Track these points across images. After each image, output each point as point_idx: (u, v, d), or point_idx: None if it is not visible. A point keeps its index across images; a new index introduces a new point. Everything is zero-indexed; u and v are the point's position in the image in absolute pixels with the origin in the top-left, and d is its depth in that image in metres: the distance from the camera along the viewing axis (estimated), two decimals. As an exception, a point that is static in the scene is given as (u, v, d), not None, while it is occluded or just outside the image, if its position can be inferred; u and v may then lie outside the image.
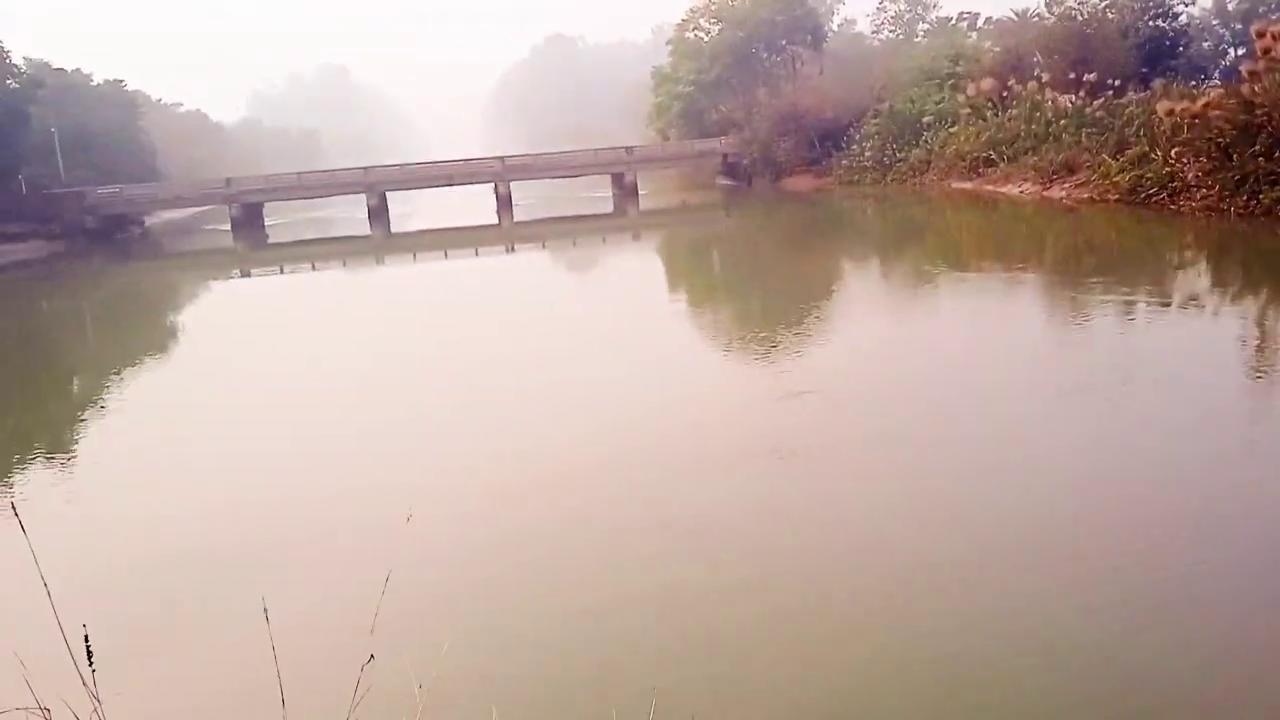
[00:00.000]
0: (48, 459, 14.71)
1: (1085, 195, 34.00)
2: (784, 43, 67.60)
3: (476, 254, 40.61)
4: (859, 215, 43.95)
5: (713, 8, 68.88)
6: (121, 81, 78.49)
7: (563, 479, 11.43)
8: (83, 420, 17.55)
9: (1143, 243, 27.87)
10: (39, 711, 3.07)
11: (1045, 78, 43.64)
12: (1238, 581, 7.89)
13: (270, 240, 55.69)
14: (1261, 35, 29.09)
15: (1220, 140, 28.03)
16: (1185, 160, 29.66)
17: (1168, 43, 50.56)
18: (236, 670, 7.27)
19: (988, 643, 7.22)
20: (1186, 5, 52.81)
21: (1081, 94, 40.51)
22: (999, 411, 12.70)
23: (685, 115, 69.59)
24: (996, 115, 44.57)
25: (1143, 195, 30.69)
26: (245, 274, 43.52)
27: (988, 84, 45.76)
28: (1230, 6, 69.88)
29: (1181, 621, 7.31)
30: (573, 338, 20.63)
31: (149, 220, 63.80)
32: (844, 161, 52.19)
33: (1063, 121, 39.46)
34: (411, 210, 60.24)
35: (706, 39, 69.55)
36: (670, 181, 67.47)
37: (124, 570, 9.81)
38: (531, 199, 59.85)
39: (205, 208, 65.78)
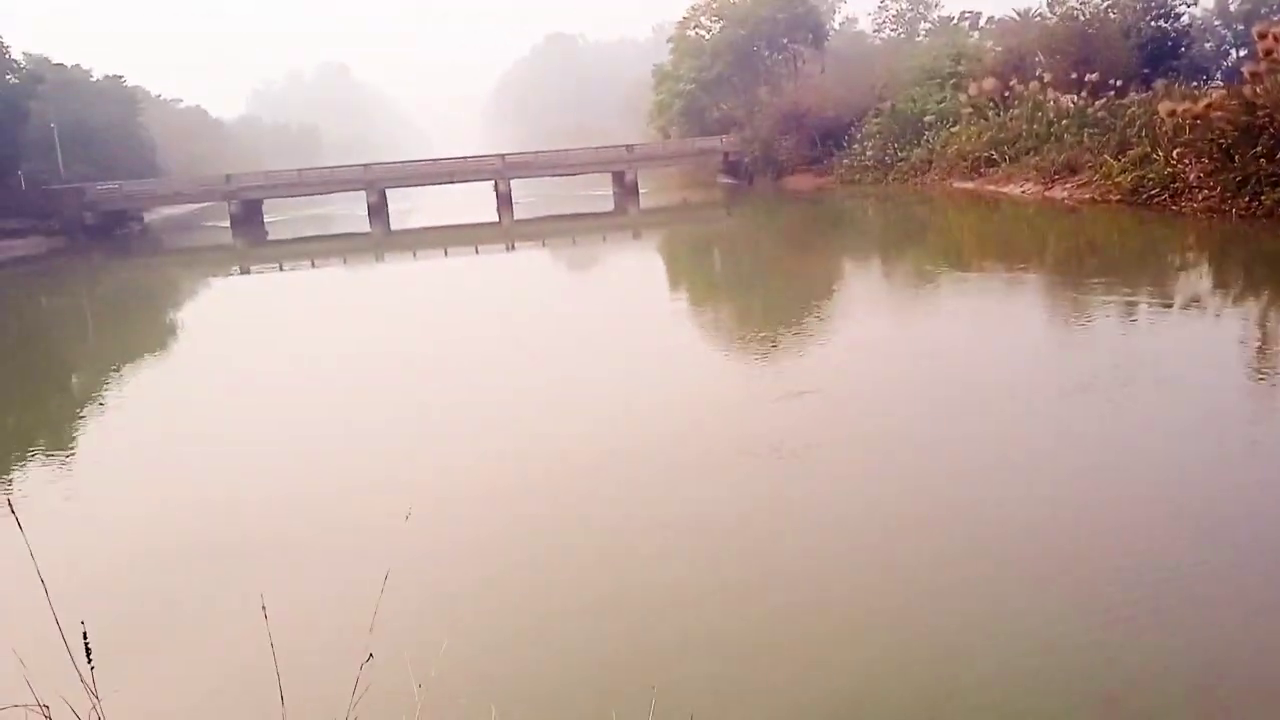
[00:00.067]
0: (47, 456, 14.69)
1: (1087, 196, 33.99)
2: (785, 41, 67.60)
3: (477, 252, 40.60)
4: (860, 214, 43.94)
5: (714, 6, 68.87)
6: (121, 77, 78.48)
7: (562, 477, 11.42)
8: (82, 417, 17.53)
9: (1144, 243, 27.86)
10: (38, 709, 3.05)
11: (1047, 77, 43.62)
12: (1240, 582, 7.87)
13: (270, 237, 55.70)
14: (1263, 36, 29.05)
15: (1222, 141, 28.01)
16: (1187, 161, 29.65)
17: (1170, 43, 50.53)
18: (235, 668, 7.26)
19: (988, 643, 7.20)
20: (1188, 6, 52.83)
21: (1083, 94, 40.51)
22: (1000, 411, 12.68)
23: (686, 113, 69.63)
24: (998, 115, 44.56)
25: (1144, 196, 30.68)
26: (245, 271, 43.52)
27: (989, 83, 45.75)
28: (1232, 7, 69.89)
29: (1184, 622, 7.29)
30: (573, 336, 20.62)
31: (148, 216, 63.83)
32: (845, 160, 52.19)
33: (1064, 121, 39.46)
34: (411, 208, 60.25)
35: (708, 37, 69.56)
36: (671, 180, 67.49)
37: (123, 568, 9.79)
38: (532, 197, 59.88)
39: (205, 204, 65.83)
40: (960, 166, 44.42)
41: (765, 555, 9.01)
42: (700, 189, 61.88)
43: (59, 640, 3.00)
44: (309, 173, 62.12)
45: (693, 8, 70.55)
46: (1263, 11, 59.61)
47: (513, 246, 43.37)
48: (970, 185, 42.67)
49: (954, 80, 50.78)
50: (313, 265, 41.79)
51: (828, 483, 10.81)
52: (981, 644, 7.20)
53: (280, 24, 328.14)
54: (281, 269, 41.98)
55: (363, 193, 57.31)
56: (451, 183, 59.69)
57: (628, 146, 61.48)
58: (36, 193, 55.13)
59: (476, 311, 25.08)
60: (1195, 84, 42.95)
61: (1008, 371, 14.94)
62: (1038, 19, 54.06)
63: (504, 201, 56.31)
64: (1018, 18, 56.83)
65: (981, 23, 70.57)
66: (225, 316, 30.48)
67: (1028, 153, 40.50)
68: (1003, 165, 41.54)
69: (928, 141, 48.40)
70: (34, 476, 13.44)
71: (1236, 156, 27.42)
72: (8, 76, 55.35)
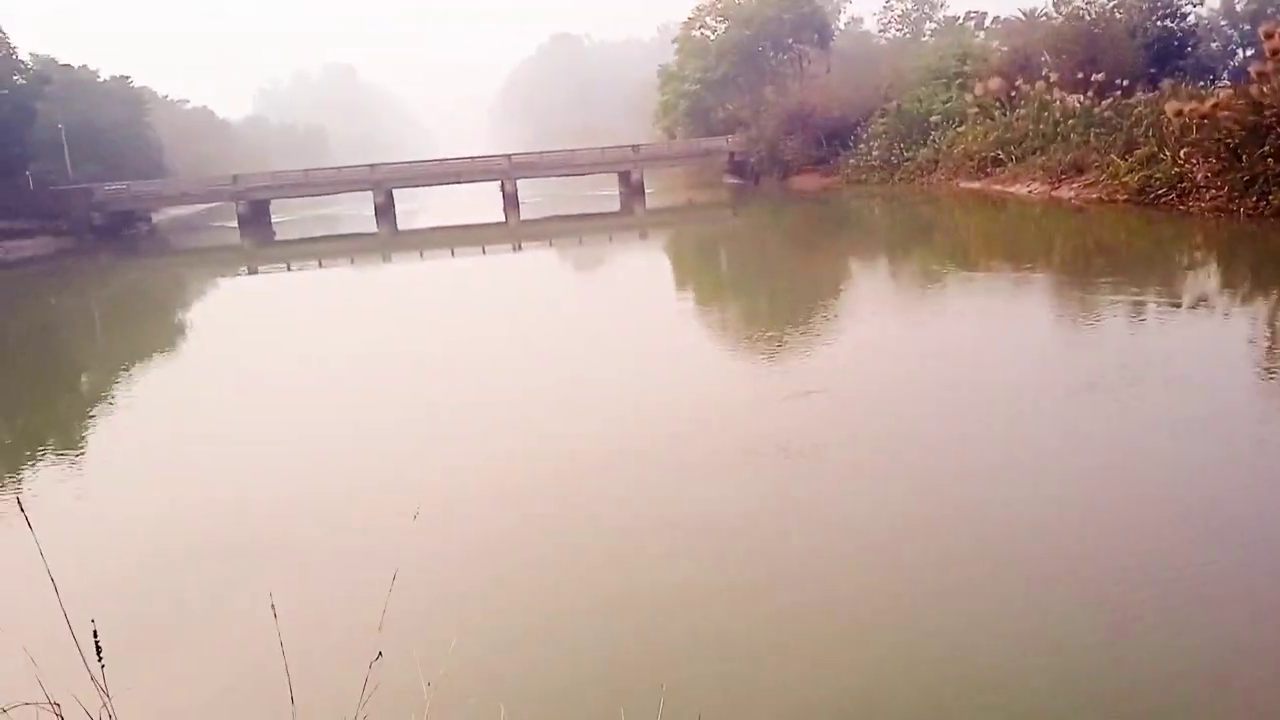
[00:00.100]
0: (57, 456, 14.73)
1: (1094, 195, 33.92)
2: (791, 41, 67.53)
3: (483, 252, 40.63)
4: (867, 214, 43.89)
5: (719, 6, 68.85)
6: (128, 78, 78.60)
7: (570, 477, 11.43)
8: (91, 417, 17.58)
9: (1152, 243, 27.80)
10: (49, 706, 3.06)
11: (1053, 77, 43.56)
12: (1248, 582, 7.86)
13: (277, 237, 55.79)
14: (1270, 36, 28.99)
15: (1229, 141, 27.96)
16: (1194, 161, 29.59)
17: (1176, 43, 50.45)
18: (245, 666, 7.28)
19: (996, 642, 7.20)
20: (1194, 6, 52.76)
21: (1089, 94, 40.46)
22: (1007, 411, 12.66)
23: (692, 114, 69.63)
24: (1004, 115, 44.51)
25: (1152, 196, 30.62)
26: (252, 271, 43.60)
27: (995, 83, 45.69)
28: (1238, 7, 69.77)
29: (1191, 622, 7.28)
30: (580, 336, 20.64)
31: (156, 217, 63.95)
32: (851, 160, 52.14)
33: (1071, 121, 39.40)
34: (418, 208, 60.32)
35: (713, 37, 69.55)
36: (677, 180, 67.48)
37: (133, 567, 9.82)
38: (538, 197, 59.90)
39: (212, 204, 65.98)
40: (966, 166, 44.35)
41: (773, 555, 9.01)
42: (706, 189, 61.84)
43: (69, 639, 3.01)
44: (316, 173, 62.21)
45: (698, 8, 70.56)
46: (1269, 11, 59.50)
47: (519, 246, 43.40)
48: (977, 185, 42.62)
49: (960, 80, 50.72)
50: (320, 265, 41.86)
51: (835, 482, 10.81)
52: (989, 644, 7.20)
53: (282, 24, 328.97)
54: (289, 269, 42.05)
55: (369, 193, 57.37)
56: (458, 183, 59.75)
57: (634, 147, 61.48)
58: (44, 193, 55.23)
59: (484, 311, 25.11)
60: (1202, 84, 42.93)
61: (1015, 371, 14.93)
62: (1043, 19, 54.01)
63: (510, 201, 56.35)
64: (1023, 17, 56.75)
65: (987, 23, 70.49)
66: (233, 316, 30.54)
67: (1034, 152, 40.44)
68: (1009, 165, 41.48)
69: (934, 141, 48.34)
70: (44, 476, 13.48)
71: (1244, 156, 27.37)
72: (15, 77, 55.46)
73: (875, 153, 50.82)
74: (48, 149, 59.43)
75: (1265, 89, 27.88)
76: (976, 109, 46.60)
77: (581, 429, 13.39)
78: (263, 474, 12.69)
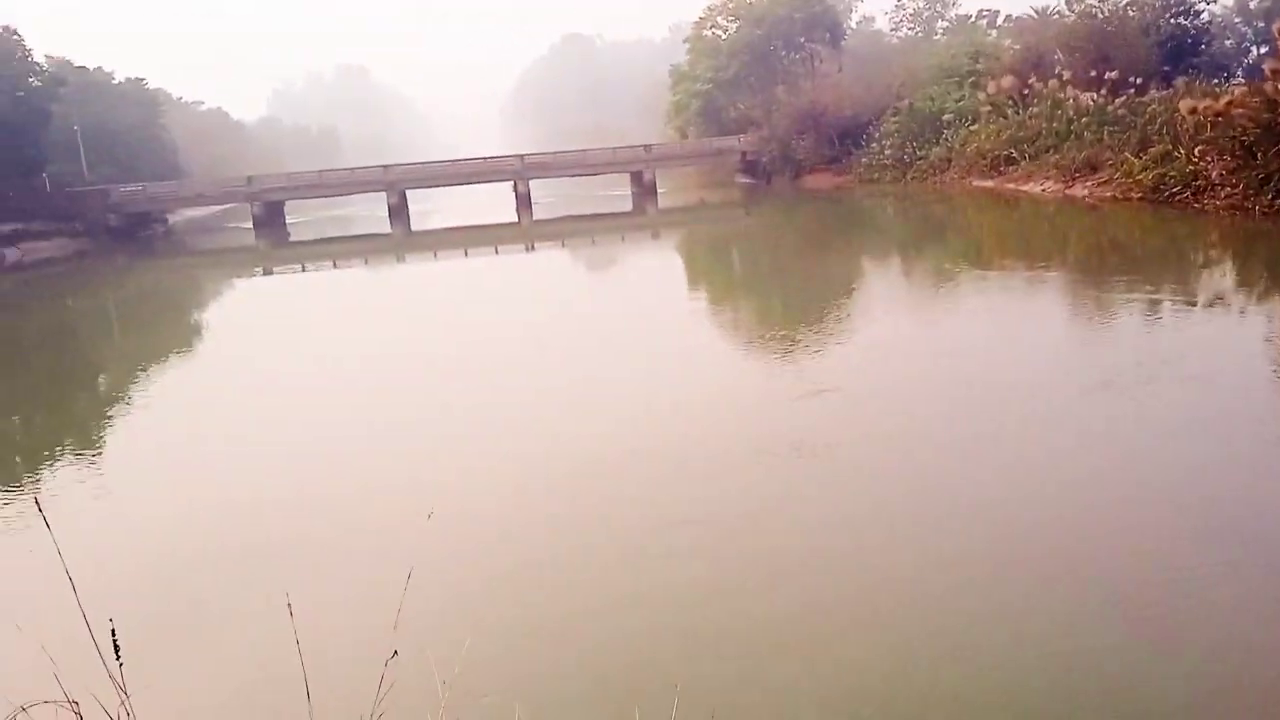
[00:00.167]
0: (75, 456, 14.83)
1: (1108, 194, 33.78)
2: (802, 40, 67.46)
3: (496, 252, 40.70)
4: (879, 213, 43.80)
5: (730, 6, 68.81)
6: (143, 80, 79.04)
7: (583, 477, 11.45)
8: (108, 417, 17.69)
9: (1166, 241, 27.66)
10: (68, 705, 3.09)
11: (1066, 75, 43.37)
12: (1261, 582, 7.82)
13: (292, 238, 55.98)
14: (1284, 33, 28.84)
15: (1244, 139, 27.80)
16: (1209, 159, 29.43)
17: (1189, 40, 50.12)
18: (262, 665, 7.33)
19: (1008, 642, 7.20)
20: (1208, 3, 52.42)
21: (1103, 92, 40.24)
22: (1020, 410, 12.62)
23: (703, 113, 69.62)
24: (1017, 113, 44.34)
25: (1166, 194, 30.47)
26: (268, 272, 43.76)
27: (1008, 82, 45.51)
28: (1252, 4, 69.27)
29: (1202, 622, 7.25)
30: (592, 336, 20.66)
31: (172, 218, 64.26)
32: (863, 159, 52.03)
33: (1084, 119, 39.21)
34: (431, 208, 60.44)
35: (724, 37, 69.52)
36: (689, 179, 67.45)
37: (149, 566, 9.89)
38: (551, 197, 59.95)
39: (227, 206, 66.23)
40: (979, 165, 44.21)
41: (786, 554, 9.02)
42: (718, 189, 61.80)
43: (88, 637, 3.04)
44: (330, 174, 62.43)
45: (709, 8, 70.54)
46: (1285, 8, 59.05)
47: (532, 247, 43.46)
48: (990, 184, 42.47)
49: (972, 78, 50.54)
50: (334, 266, 42.00)
51: (847, 482, 10.81)
52: (1002, 643, 7.20)
53: (282, 24, 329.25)
54: (304, 270, 42.20)
55: (383, 194, 57.53)
56: (471, 183, 59.86)
57: (645, 146, 61.47)
58: (61, 195, 55.57)
59: (497, 311, 25.16)
60: (1216, 81, 42.60)
61: (1028, 370, 14.88)
62: (1056, 16, 53.78)
63: (523, 202, 56.41)
64: (1036, 15, 56.52)
65: (999, 21, 70.18)
66: (249, 317, 30.68)
67: (1047, 151, 40.28)
68: (1022, 163, 41.32)
69: (946, 140, 48.19)
70: (62, 476, 13.58)
71: (1259, 154, 27.21)
72: (31, 79, 55.79)
73: (888, 151, 50.69)
74: (64, 151, 59.81)
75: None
76: (989, 107, 46.43)
77: (594, 428, 13.42)
78: (278, 474, 12.76)
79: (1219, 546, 8.40)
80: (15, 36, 54.85)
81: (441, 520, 9.04)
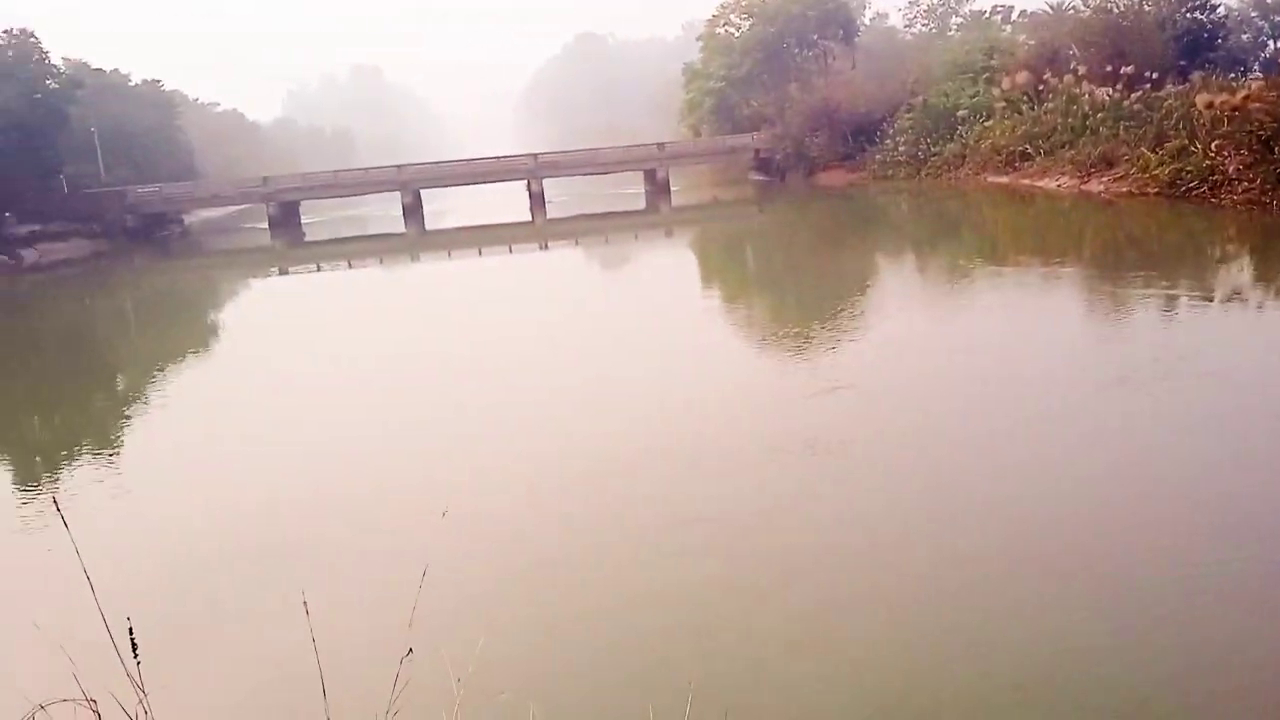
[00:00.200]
0: (92, 455, 14.94)
1: (1124, 189, 33.57)
2: (815, 37, 67.22)
3: (510, 251, 40.73)
4: (894, 210, 43.67)
5: (743, 3, 68.61)
6: (159, 82, 79.39)
7: (597, 475, 11.47)
8: (126, 417, 17.81)
9: (1183, 236, 27.49)
10: (86, 703, 3.11)
11: (1081, 70, 43.12)
12: (1276, 580, 7.78)
13: (307, 238, 56.18)
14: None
15: (1261, 133, 27.60)
16: (1225, 153, 29.24)
17: (1206, 35, 49.73)
18: (278, 663, 7.37)
19: (1023, 639, 7.18)
20: (1224, -3, 52.03)
21: (1119, 87, 39.98)
22: (1035, 407, 12.57)
23: (717, 111, 69.46)
24: (1032, 109, 44.08)
25: (1182, 189, 30.27)
26: (283, 272, 43.92)
27: (1023, 77, 45.28)
28: (1269, -1, 68.70)
29: (1215, 621, 7.21)
30: (606, 334, 20.68)
31: (188, 219, 64.53)
32: (877, 156, 51.83)
33: (1100, 115, 38.98)
34: (445, 208, 60.50)
35: (737, 34, 69.33)
36: (702, 177, 67.35)
37: (167, 565, 9.95)
38: (564, 196, 59.96)
39: (243, 206, 66.46)
40: (994, 161, 43.99)
41: (800, 552, 9.01)
42: (732, 186, 61.70)
43: (105, 636, 3.06)
44: (345, 174, 62.57)
45: (722, 5, 70.36)
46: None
47: (546, 245, 43.50)
48: (1005, 180, 42.26)
49: (987, 74, 50.28)
50: (349, 266, 42.12)
51: (862, 479, 10.79)
52: (1016, 641, 7.18)
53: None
54: (319, 270, 42.34)
55: (397, 194, 57.65)
56: (485, 183, 59.92)
57: (659, 145, 61.35)
58: (78, 196, 55.87)
59: (511, 310, 25.19)
60: (1233, 75, 42.27)
61: (1044, 366, 14.80)
62: (1071, 12, 53.42)
63: (537, 201, 56.42)
64: (1050, 11, 56.17)
65: (1014, 16, 69.75)
66: (265, 317, 30.81)
67: (1063, 146, 40.05)
68: (1037, 159, 41.09)
69: (961, 136, 47.96)
70: (80, 475, 13.68)
71: (1276, 148, 27.03)
72: (48, 82, 56.07)
73: (901, 148, 50.49)
74: (81, 153, 60.11)
75: (1298, 80, 27.55)
76: (1004, 103, 46.18)
77: (609, 427, 13.44)
78: (294, 473, 12.82)
79: (1236, 543, 8.35)
80: (33, 39, 55.19)
81: (456, 519, 9.07)
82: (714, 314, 23.35)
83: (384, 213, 59.27)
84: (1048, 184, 38.71)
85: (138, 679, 3.05)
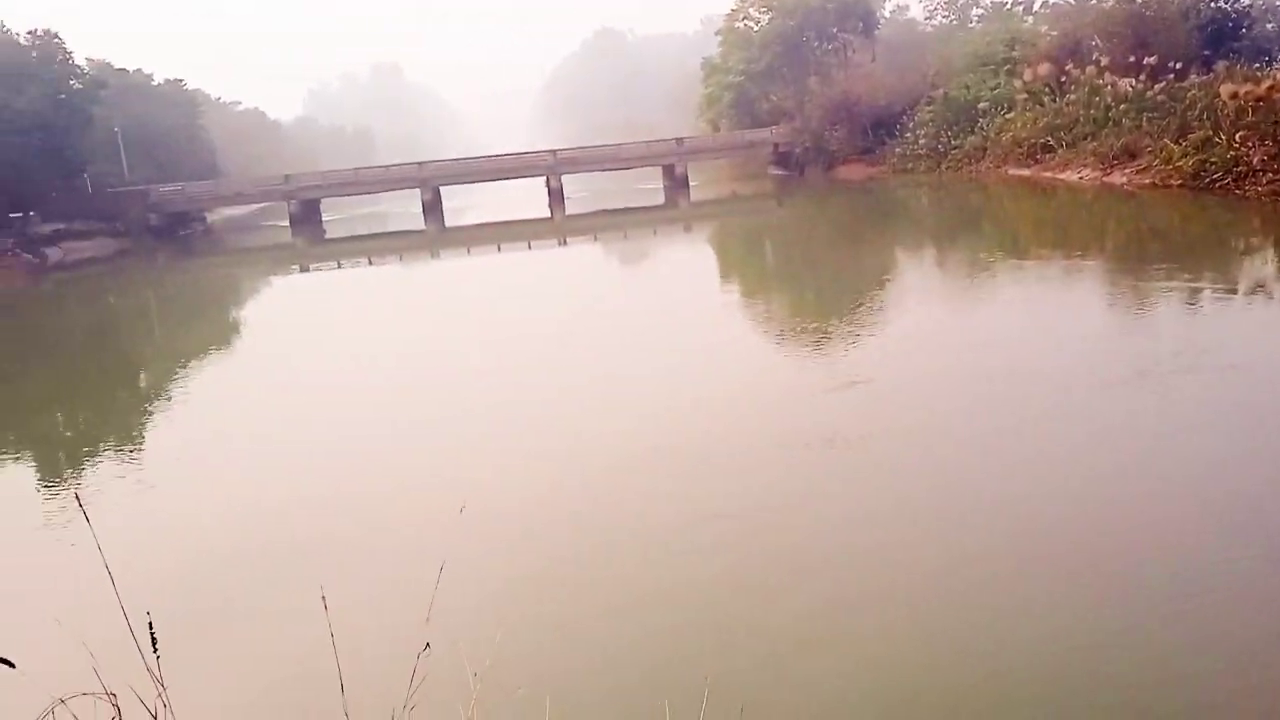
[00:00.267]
0: (115, 452, 15.08)
1: (1147, 181, 33.28)
2: (835, 30, 66.89)
3: (529, 247, 40.81)
4: (914, 203, 43.47)
5: (762, -3, 68.43)
6: (181, 81, 80.00)
7: (614, 471, 11.49)
8: (148, 414, 17.97)
9: (1207, 228, 27.23)
10: (106, 697, 3.14)
11: (1104, 61, 42.75)
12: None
13: (328, 236, 56.45)
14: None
15: (1286, 123, 27.33)
16: (1250, 144, 28.95)
17: (1230, 24, 49.19)
18: (296, 657, 7.42)
19: (1033, 637, 7.16)
20: (1249, -14, 51.41)
21: (1142, 78, 39.64)
22: (1056, 402, 12.48)
23: (736, 105, 69.29)
24: (1054, 100, 43.79)
25: (1206, 180, 29.99)
26: (304, 269, 44.17)
27: (1045, 69, 44.96)
28: (1296, -14, 67.84)
29: (1228, 619, 7.16)
30: (624, 331, 20.68)
31: (210, 217, 65.01)
32: (897, 149, 51.62)
33: (1123, 106, 38.66)
34: (465, 205, 60.67)
35: (756, 28, 69.12)
36: (721, 172, 67.24)
37: (187, 561, 10.03)
38: (583, 192, 59.98)
39: (264, 204, 66.90)
40: (1016, 153, 43.73)
41: (816, 547, 9.01)
42: (751, 181, 61.57)
43: (126, 631, 3.09)
44: (365, 172, 62.86)
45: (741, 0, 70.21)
46: (1329, -10, 57.84)
47: (565, 241, 43.54)
48: (1026, 172, 42.00)
49: (1008, 66, 49.95)
50: (370, 263, 42.32)
51: (880, 476, 10.75)
52: (1028, 639, 7.16)
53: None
54: (340, 267, 42.53)
55: (417, 191, 57.86)
56: (504, 179, 60.04)
57: (677, 140, 61.31)
58: (102, 195, 56.39)
59: (530, 307, 25.23)
60: (1257, 65, 41.77)
61: (1063, 361, 14.68)
62: (1093, 2, 52.93)
63: (555, 197, 56.49)
64: (1073, 1, 55.71)
65: (1036, 7, 69.10)
66: (285, 315, 31.00)
67: (1085, 138, 39.76)
68: (1059, 151, 40.82)
69: (982, 129, 47.69)
70: (102, 471, 13.82)
71: (1302, 139, 26.75)
72: (72, 82, 56.55)
73: (922, 141, 50.26)
74: (105, 152, 60.59)
75: (1324, 69, 27.23)
76: (1025, 95, 45.88)
77: (625, 424, 13.44)
78: (312, 470, 12.90)
79: (1245, 540, 8.27)
80: (56, 40, 55.67)
81: (473, 516, 9.08)
82: (731, 309, 23.31)
83: (404, 210, 59.48)
84: (1069, 176, 38.44)
85: (157, 673, 3.08)
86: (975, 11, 79.88)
